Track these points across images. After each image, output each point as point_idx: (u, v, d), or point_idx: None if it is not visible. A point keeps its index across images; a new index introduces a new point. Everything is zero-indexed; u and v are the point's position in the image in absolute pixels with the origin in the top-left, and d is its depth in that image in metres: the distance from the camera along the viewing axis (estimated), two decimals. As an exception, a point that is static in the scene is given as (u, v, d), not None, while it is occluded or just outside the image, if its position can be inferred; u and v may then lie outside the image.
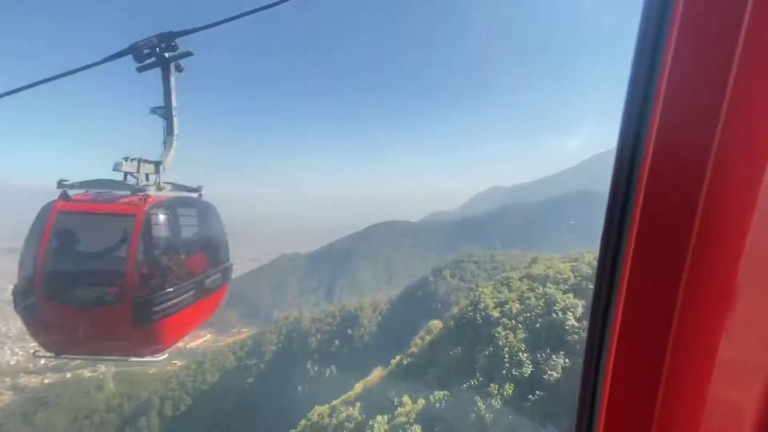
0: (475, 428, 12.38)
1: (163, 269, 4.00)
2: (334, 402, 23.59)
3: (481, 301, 21.19)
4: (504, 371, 14.21)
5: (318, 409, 24.73)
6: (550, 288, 18.29)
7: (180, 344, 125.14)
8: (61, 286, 4.01)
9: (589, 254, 22.16)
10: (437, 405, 14.32)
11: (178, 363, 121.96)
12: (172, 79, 4.65)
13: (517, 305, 18.91)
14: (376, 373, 20.84)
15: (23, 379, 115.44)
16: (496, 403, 12.73)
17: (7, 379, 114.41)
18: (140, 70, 4.21)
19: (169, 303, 4.04)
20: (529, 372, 13.75)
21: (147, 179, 4.54)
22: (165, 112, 4.82)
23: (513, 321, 17.44)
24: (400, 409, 14.58)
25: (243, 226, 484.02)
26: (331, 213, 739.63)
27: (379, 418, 15.36)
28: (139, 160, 4.38)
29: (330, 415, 21.94)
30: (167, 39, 4.04)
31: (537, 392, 12.42)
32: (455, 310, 23.14)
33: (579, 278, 18.33)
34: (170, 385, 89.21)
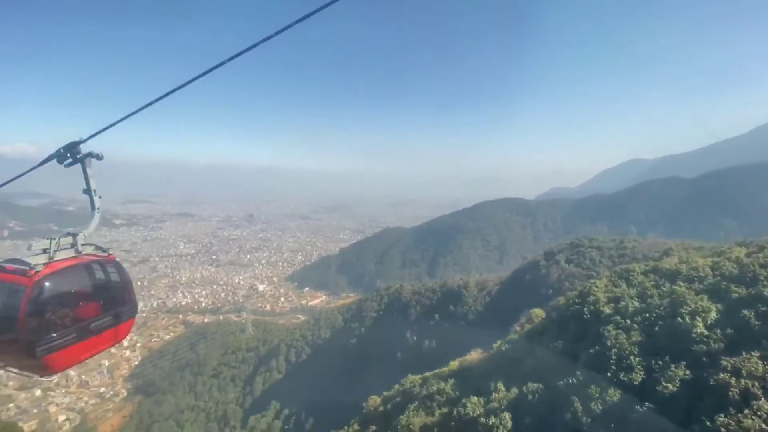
0: (568, 428, 11.83)
1: (46, 321, 5.60)
2: (428, 374, 24.83)
3: (592, 294, 19.29)
4: (609, 374, 12.97)
5: (411, 377, 26.39)
6: (680, 286, 15.49)
7: (303, 302, 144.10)
8: None
9: (741, 249, 17.89)
10: (530, 397, 14.03)
11: (301, 318, 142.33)
12: (88, 170, 6.35)
13: (636, 303, 16.67)
14: (474, 354, 21.10)
15: (191, 317, 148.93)
16: (596, 407, 11.80)
17: (180, 316, 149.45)
18: (66, 166, 6.13)
19: (51, 344, 5.52)
20: (639, 379, 12.24)
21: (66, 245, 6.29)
22: (88, 194, 6.57)
23: (628, 320, 15.48)
24: (494, 395, 14.73)
25: (351, 200, 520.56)
26: (441, 189, 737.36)
27: (473, 398, 15.81)
28: (55, 239, 6.11)
29: (421, 385, 23.23)
30: (72, 149, 5.94)
31: (645, 404, 11.09)
32: (561, 300, 21.51)
33: (719, 278, 15.11)
34: (294, 335, 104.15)
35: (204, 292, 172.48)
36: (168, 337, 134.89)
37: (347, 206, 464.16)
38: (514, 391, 14.54)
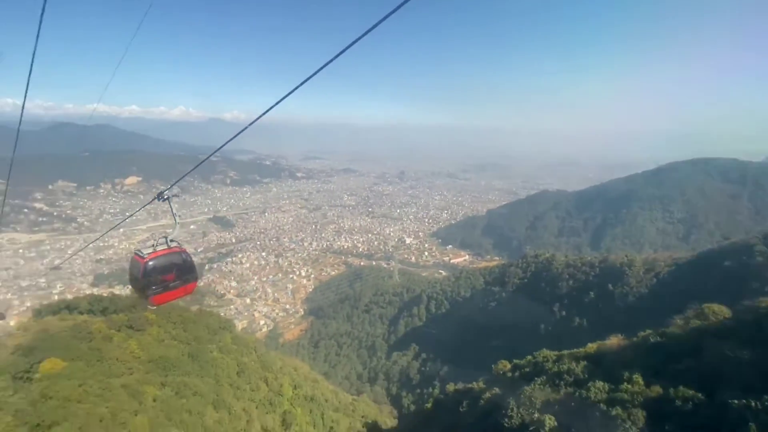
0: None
1: (150, 281, 9.93)
2: (564, 351, 23.16)
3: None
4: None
5: (546, 351, 25.05)
6: None
7: (446, 259, 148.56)
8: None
9: None
10: (680, 403, 11.49)
11: (443, 273, 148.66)
12: (173, 206, 9.82)
13: None
14: (614, 340, 18.39)
15: (350, 259, 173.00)
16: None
17: (342, 257, 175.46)
18: (159, 200, 9.53)
19: (151, 292, 9.93)
20: None
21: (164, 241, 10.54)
22: (174, 217, 10.15)
23: None
24: (626, 385, 12.77)
25: (503, 158, 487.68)
26: (615, 148, 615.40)
27: (599, 383, 14.25)
28: (159, 242, 10.39)
29: (554, 362, 21.92)
30: (161, 196, 9.39)
31: None
32: (764, 302, 16.03)
33: None
34: (435, 288, 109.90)
35: (361, 239, 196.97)
36: (333, 273, 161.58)
37: (498, 165, 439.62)
38: (656, 389, 12.22)
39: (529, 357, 26.04)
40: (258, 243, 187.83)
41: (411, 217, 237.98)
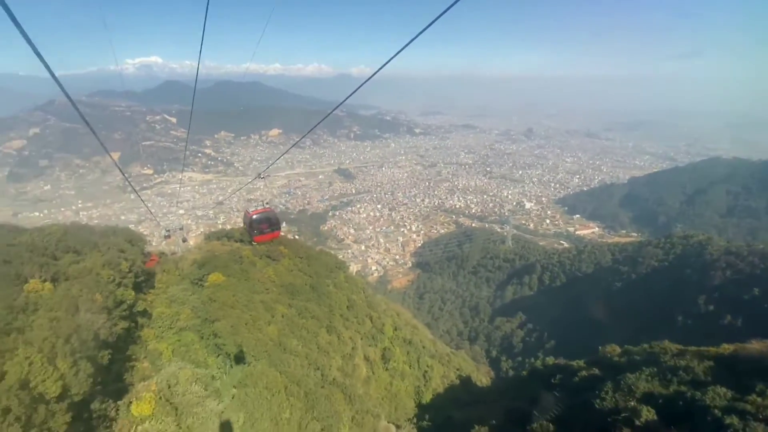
0: None
1: (252, 228, 17.27)
2: (692, 348, 20.06)
3: None
4: None
5: (668, 343, 22.03)
6: None
7: (570, 229, 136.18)
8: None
9: None
10: None
11: (564, 244, 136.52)
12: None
13: None
14: (758, 345, 14.85)
15: (461, 219, 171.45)
16: None
17: (453, 216, 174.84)
18: (260, 178, 16.81)
19: (253, 234, 17.44)
20: None
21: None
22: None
23: None
24: (755, 397, 10.56)
25: (662, 114, 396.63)
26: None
27: (721, 388, 12.18)
28: (259, 204, 17.57)
29: (673, 356, 19.32)
30: (260, 176, 16.74)
31: None
32: None
33: None
34: (552, 260, 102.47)
35: (475, 200, 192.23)
36: (443, 231, 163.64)
37: (655, 123, 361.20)
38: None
39: (645, 345, 23.27)
40: (374, 195, 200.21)
41: (534, 180, 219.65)
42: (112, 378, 17.31)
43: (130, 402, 16.74)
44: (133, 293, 22.48)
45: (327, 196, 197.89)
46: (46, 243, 23.69)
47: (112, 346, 17.46)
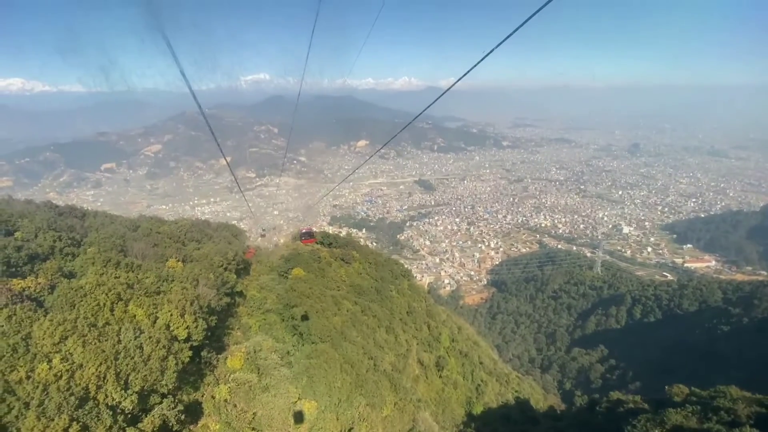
0: None
1: (302, 236, 31.90)
2: (756, 396, 19.03)
3: None
4: None
5: (734, 389, 20.96)
6: None
7: (678, 260, 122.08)
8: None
9: None
10: None
11: (667, 277, 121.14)
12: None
13: None
14: None
15: (546, 239, 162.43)
16: None
17: (537, 235, 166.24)
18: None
19: (303, 239, 31.31)
20: None
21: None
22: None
23: None
24: None
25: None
26: None
27: (749, 429, 12.27)
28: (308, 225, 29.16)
29: (734, 401, 18.67)
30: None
31: None
32: None
33: None
34: (646, 292, 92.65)
35: (564, 219, 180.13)
36: (524, 250, 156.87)
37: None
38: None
39: (712, 390, 22.10)
40: (453, 208, 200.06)
41: (638, 201, 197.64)
42: (216, 338, 23.09)
43: (227, 357, 22.27)
44: (234, 277, 28.87)
45: (406, 207, 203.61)
46: (179, 233, 31.62)
47: (218, 313, 23.30)
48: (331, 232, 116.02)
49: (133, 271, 20.77)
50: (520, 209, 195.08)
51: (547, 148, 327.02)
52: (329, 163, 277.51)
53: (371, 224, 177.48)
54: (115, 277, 18.65)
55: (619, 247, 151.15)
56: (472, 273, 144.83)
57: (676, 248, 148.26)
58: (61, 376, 12.57)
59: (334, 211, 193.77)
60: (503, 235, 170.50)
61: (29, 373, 12.61)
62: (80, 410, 12.37)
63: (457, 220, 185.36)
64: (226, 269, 28.41)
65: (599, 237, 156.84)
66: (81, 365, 13.27)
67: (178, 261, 25.40)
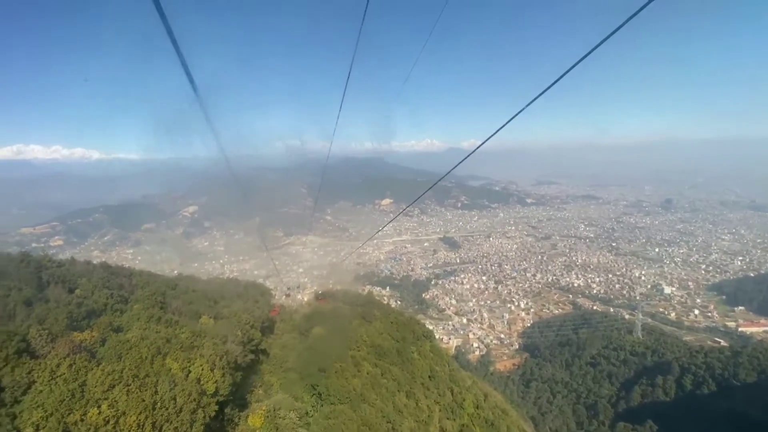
0: None
1: (318, 296, 29.57)
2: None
3: None
4: None
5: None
6: None
7: (730, 324, 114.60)
8: None
9: None
10: None
11: (720, 343, 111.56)
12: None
13: None
14: None
15: (580, 300, 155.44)
16: None
17: (570, 296, 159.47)
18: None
19: (320, 298, 28.04)
20: None
21: None
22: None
23: None
24: None
25: None
26: None
27: None
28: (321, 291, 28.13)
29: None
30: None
31: None
32: None
33: None
34: (696, 360, 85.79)
35: (597, 279, 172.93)
36: (556, 311, 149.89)
37: None
38: None
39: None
40: (480, 266, 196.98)
41: (677, 259, 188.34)
42: (239, 394, 24.35)
43: (248, 415, 23.32)
44: (259, 334, 30.65)
45: (431, 264, 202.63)
46: (211, 291, 34.37)
47: (243, 369, 24.81)
48: (354, 290, 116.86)
49: (171, 327, 23.09)
50: (549, 267, 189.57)
51: (573, 204, 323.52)
52: (354, 221, 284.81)
53: (395, 282, 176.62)
54: (156, 332, 20.91)
55: (661, 309, 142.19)
56: (503, 336, 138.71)
57: (727, 311, 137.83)
58: (108, 421, 14.37)
59: (357, 269, 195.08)
60: (533, 295, 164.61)
61: (83, 417, 14.49)
62: (121, 455, 13.98)
63: (483, 278, 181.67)
64: (252, 327, 30.27)
65: (638, 298, 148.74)
66: (124, 412, 15.07)
67: (210, 318, 27.65)
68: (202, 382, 19.17)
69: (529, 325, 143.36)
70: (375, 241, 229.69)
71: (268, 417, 23.59)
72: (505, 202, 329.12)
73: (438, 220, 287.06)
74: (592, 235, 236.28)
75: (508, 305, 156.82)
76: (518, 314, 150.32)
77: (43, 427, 14.80)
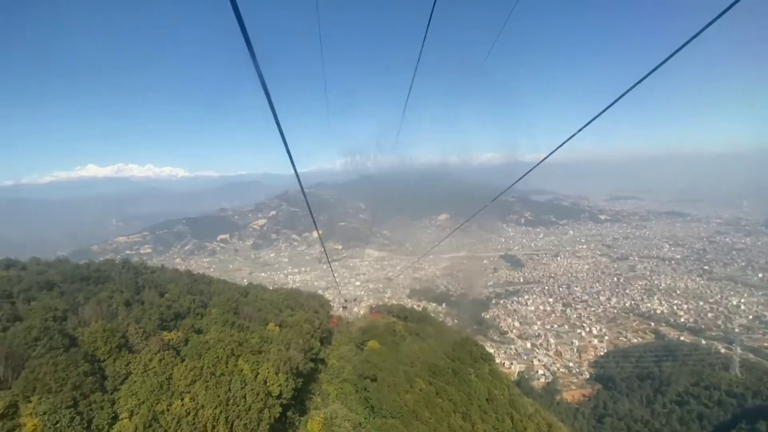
0: None
1: (372, 310, 27.40)
2: None
3: None
4: None
5: None
6: None
7: None
8: None
9: None
10: None
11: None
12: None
13: None
14: None
15: (663, 328, 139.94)
16: None
17: (652, 324, 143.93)
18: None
19: (374, 312, 24.34)
20: None
21: None
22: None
23: None
24: None
25: None
26: None
27: None
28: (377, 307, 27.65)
29: None
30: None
31: None
32: None
33: None
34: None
35: (685, 306, 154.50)
36: (635, 340, 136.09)
37: None
38: None
39: None
40: (546, 287, 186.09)
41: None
42: (300, 400, 25.97)
43: (307, 420, 24.78)
44: (319, 344, 32.43)
45: (491, 282, 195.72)
46: (277, 300, 37.18)
47: (303, 376, 26.48)
48: (409, 305, 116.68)
49: (242, 331, 25.63)
50: (627, 291, 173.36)
51: (655, 222, 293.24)
52: (410, 236, 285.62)
53: (452, 299, 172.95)
54: (230, 335, 23.39)
55: (766, 344, 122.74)
56: (571, 364, 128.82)
57: None
58: (189, 413, 16.52)
59: (413, 283, 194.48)
60: (608, 321, 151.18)
61: (168, 407, 16.82)
62: (199, 444, 16.01)
63: (550, 300, 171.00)
64: (312, 336, 32.15)
65: (736, 330, 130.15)
66: (203, 406, 17.18)
67: (276, 325, 30.01)
68: (268, 384, 21.01)
69: (602, 353, 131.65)
70: (431, 256, 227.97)
71: (325, 424, 24.84)
72: (575, 218, 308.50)
73: (499, 237, 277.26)
74: (678, 257, 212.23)
75: (578, 331, 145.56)
76: (590, 341, 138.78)
77: (137, 414, 17.43)
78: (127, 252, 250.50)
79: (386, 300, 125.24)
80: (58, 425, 16.08)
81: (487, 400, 40.28)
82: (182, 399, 17.41)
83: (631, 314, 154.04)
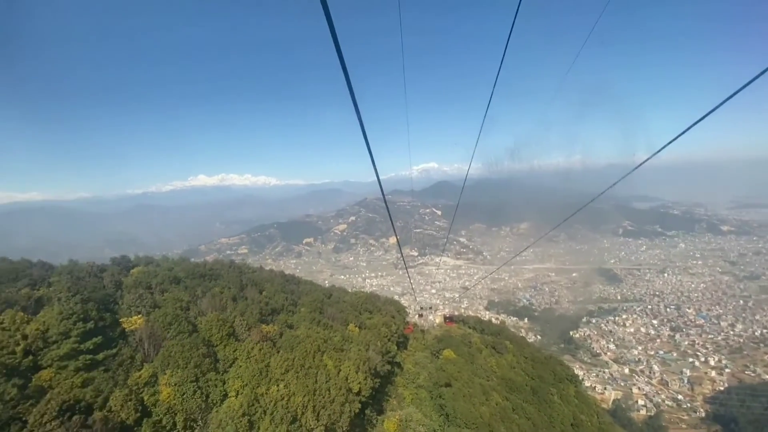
0: None
1: (446, 320, 36.61)
2: None
3: None
4: None
5: None
6: None
7: None
8: None
9: None
10: None
11: None
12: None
13: None
14: None
15: None
16: None
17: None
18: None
19: (447, 321, 32.34)
20: None
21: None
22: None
23: None
24: None
25: None
26: None
27: None
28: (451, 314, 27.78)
29: None
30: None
31: None
32: None
33: None
34: None
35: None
36: (766, 376, 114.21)
37: None
38: None
39: None
40: (649, 307, 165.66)
41: None
42: (377, 400, 27.71)
43: (384, 420, 26.36)
44: (395, 348, 34.00)
45: (581, 298, 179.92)
46: (357, 302, 39.82)
47: (381, 377, 28.20)
48: (487, 317, 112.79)
49: (327, 330, 28.39)
50: (757, 317, 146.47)
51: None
52: (489, 244, 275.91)
53: (535, 314, 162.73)
54: (317, 333, 26.15)
55: None
56: (680, 397, 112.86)
57: None
58: (283, 398, 19.18)
59: (491, 295, 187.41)
60: (730, 351, 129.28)
61: (266, 390, 19.72)
62: (292, 425, 18.45)
63: (654, 322, 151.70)
64: (389, 340, 33.85)
65: None
66: (294, 393, 19.75)
67: (356, 326, 32.40)
68: (349, 381, 23.09)
69: (722, 388, 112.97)
70: (512, 266, 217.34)
71: (400, 426, 26.15)
72: (689, 229, 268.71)
73: (591, 248, 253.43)
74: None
75: (690, 359, 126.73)
76: (706, 372, 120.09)
77: (241, 393, 20.74)
78: (228, 252, 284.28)
79: (462, 311, 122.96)
80: (184, 396, 20.05)
81: (572, 425, 37.85)
82: (278, 385, 20.24)
83: (762, 345, 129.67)
